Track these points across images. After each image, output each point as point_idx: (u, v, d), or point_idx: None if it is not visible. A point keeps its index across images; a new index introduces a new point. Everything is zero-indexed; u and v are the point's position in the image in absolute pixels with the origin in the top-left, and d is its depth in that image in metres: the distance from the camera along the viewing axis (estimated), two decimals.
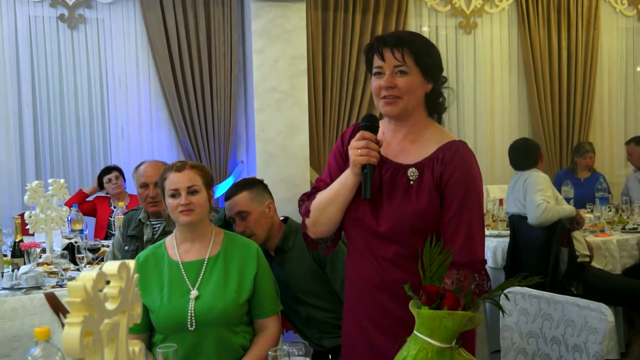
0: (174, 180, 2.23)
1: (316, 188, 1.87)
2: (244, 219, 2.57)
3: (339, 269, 2.44)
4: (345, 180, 1.74)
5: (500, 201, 4.78)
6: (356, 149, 1.68)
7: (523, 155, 4.09)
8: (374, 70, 1.75)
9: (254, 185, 2.66)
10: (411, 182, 1.72)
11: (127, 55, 5.29)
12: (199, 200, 2.22)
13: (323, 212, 1.79)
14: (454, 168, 1.70)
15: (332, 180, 1.82)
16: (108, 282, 0.97)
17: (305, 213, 1.83)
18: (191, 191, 2.22)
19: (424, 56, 1.73)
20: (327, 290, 2.54)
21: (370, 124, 1.71)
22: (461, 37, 6.34)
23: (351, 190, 1.74)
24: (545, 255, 3.78)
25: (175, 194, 2.22)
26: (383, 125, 1.80)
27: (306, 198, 1.86)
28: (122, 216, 3.41)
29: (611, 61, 6.87)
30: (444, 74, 1.82)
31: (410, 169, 1.73)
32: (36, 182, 3.68)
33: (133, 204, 4.45)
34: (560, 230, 3.75)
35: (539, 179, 3.90)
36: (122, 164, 5.10)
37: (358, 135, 1.70)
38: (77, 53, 5.22)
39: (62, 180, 3.79)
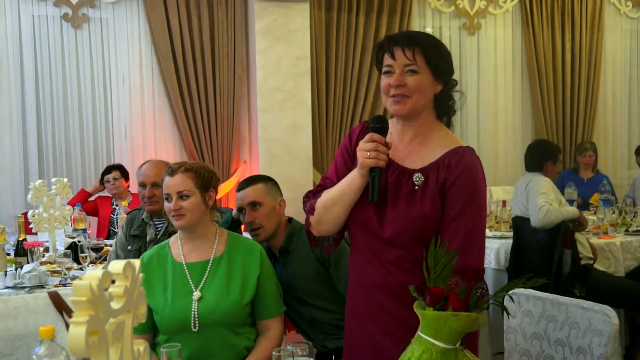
0: (166, 184, 2.24)
1: (322, 186, 1.85)
2: (255, 210, 2.58)
3: (343, 269, 2.43)
4: (352, 181, 1.72)
5: (504, 202, 4.78)
6: (364, 150, 1.66)
7: (530, 157, 4.10)
8: (384, 69, 1.74)
9: (269, 180, 2.69)
10: (416, 187, 1.71)
11: (131, 55, 5.29)
12: (189, 205, 2.20)
13: (327, 212, 1.77)
14: (459, 174, 1.68)
15: (338, 178, 1.80)
16: (113, 282, 0.97)
17: (310, 211, 1.81)
18: (181, 196, 2.21)
19: (435, 56, 1.72)
20: (331, 291, 2.54)
21: (380, 125, 1.70)
22: (465, 38, 6.34)
23: (357, 191, 1.72)
24: (548, 257, 3.78)
25: (167, 197, 2.23)
26: (391, 125, 1.78)
27: (311, 196, 1.84)
28: (125, 215, 3.41)
29: (615, 63, 6.86)
30: None
31: (416, 174, 1.72)
32: (40, 181, 3.69)
33: (136, 202, 4.45)
34: (564, 232, 3.74)
35: (541, 183, 3.90)
36: (125, 164, 5.09)
37: (367, 137, 1.68)
38: (81, 52, 5.22)
39: (65, 180, 3.80)
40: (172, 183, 2.22)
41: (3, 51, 5.02)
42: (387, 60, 1.73)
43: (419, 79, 1.70)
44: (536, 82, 6.41)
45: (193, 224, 2.22)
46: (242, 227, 2.88)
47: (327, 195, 1.79)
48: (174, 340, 2.09)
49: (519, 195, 4.05)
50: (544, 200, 3.78)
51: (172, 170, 2.25)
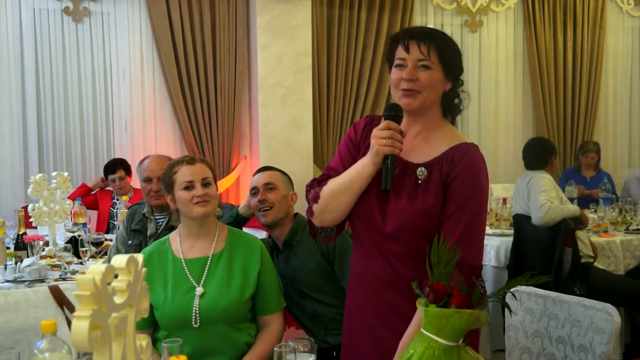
0: (187, 172, 2.23)
1: (326, 175, 1.82)
2: (269, 191, 2.61)
3: (348, 265, 2.44)
4: (363, 169, 1.70)
5: (504, 200, 4.77)
6: (380, 138, 1.65)
7: (532, 155, 4.10)
8: (396, 62, 1.73)
9: (286, 174, 2.75)
10: (419, 181, 1.71)
11: (132, 49, 5.28)
12: (212, 192, 2.24)
13: (334, 199, 1.75)
14: (462, 169, 1.68)
15: (344, 168, 1.78)
16: (116, 276, 0.96)
17: (314, 199, 1.78)
18: (205, 183, 2.23)
19: (448, 54, 1.71)
20: (334, 285, 2.54)
21: (395, 114, 1.69)
22: (466, 35, 6.33)
23: (367, 179, 1.70)
24: (548, 255, 3.77)
25: (189, 186, 2.22)
26: None
27: (316, 184, 1.81)
28: (126, 210, 3.41)
29: (616, 61, 6.86)
30: None
31: (419, 169, 1.72)
32: (40, 175, 3.69)
33: (137, 197, 4.44)
34: (565, 230, 3.74)
35: (542, 180, 3.89)
36: (125, 158, 5.08)
37: (383, 124, 1.67)
38: (82, 46, 5.21)
39: (65, 174, 3.79)
40: (196, 171, 2.23)
41: (3, 44, 5.01)
42: (400, 53, 1.72)
43: (431, 75, 1.69)
44: (537, 79, 6.40)
45: (211, 213, 2.24)
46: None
47: (334, 183, 1.77)
48: (174, 336, 2.08)
49: (520, 193, 4.04)
50: (545, 198, 3.78)
51: (189, 160, 2.26)
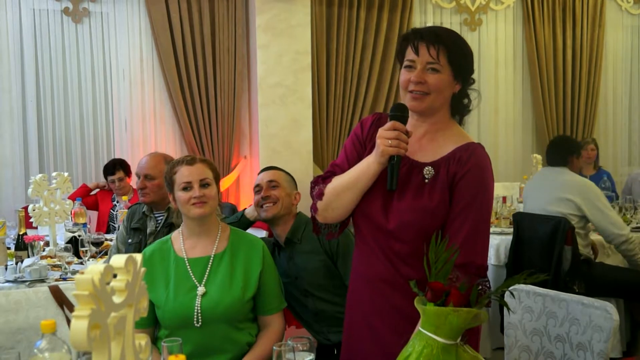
0: (185, 173, 2.23)
1: (331, 172, 1.83)
2: (273, 188, 2.66)
3: (351, 263, 2.45)
4: (368, 168, 1.70)
5: (504, 199, 4.77)
6: (386, 138, 1.65)
7: (558, 151, 4.05)
8: (405, 63, 1.73)
9: (290, 175, 2.79)
10: (426, 181, 1.71)
11: (132, 50, 5.29)
12: (210, 193, 2.23)
13: (338, 197, 1.76)
14: (469, 169, 1.69)
15: (349, 165, 1.79)
16: (115, 276, 0.97)
17: (318, 196, 1.79)
18: (203, 184, 2.22)
19: (458, 56, 1.71)
20: (337, 284, 2.55)
21: (401, 114, 1.69)
22: (466, 34, 6.33)
23: (372, 178, 1.71)
24: (548, 253, 3.77)
25: (187, 186, 2.22)
26: None
27: (321, 181, 1.82)
28: (126, 210, 3.41)
29: (616, 59, 6.86)
30: None
31: (426, 168, 1.72)
32: (40, 175, 3.69)
33: (137, 197, 4.44)
34: (564, 229, 3.74)
35: (599, 191, 3.82)
36: (125, 158, 5.08)
37: (389, 125, 1.67)
38: (82, 47, 5.22)
39: (65, 174, 3.80)
40: (194, 172, 2.23)
41: (4, 45, 5.02)
42: (409, 54, 1.72)
43: (440, 78, 1.69)
44: (537, 78, 6.40)
45: (211, 213, 2.24)
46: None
47: (338, 180, 1.77)
48: (175, 335, 2.08)
49: (546, 188, 3.96)
50: (623, 222, 3.79)
51: (189, 160, 2.26)
